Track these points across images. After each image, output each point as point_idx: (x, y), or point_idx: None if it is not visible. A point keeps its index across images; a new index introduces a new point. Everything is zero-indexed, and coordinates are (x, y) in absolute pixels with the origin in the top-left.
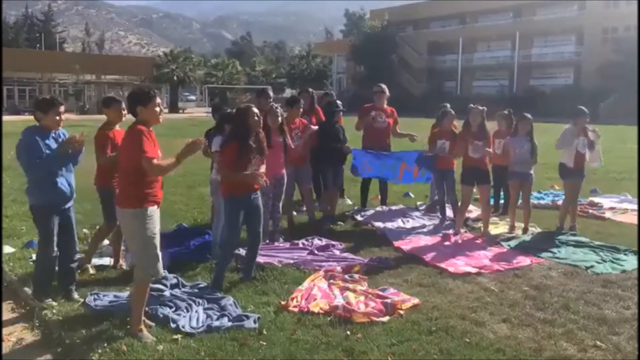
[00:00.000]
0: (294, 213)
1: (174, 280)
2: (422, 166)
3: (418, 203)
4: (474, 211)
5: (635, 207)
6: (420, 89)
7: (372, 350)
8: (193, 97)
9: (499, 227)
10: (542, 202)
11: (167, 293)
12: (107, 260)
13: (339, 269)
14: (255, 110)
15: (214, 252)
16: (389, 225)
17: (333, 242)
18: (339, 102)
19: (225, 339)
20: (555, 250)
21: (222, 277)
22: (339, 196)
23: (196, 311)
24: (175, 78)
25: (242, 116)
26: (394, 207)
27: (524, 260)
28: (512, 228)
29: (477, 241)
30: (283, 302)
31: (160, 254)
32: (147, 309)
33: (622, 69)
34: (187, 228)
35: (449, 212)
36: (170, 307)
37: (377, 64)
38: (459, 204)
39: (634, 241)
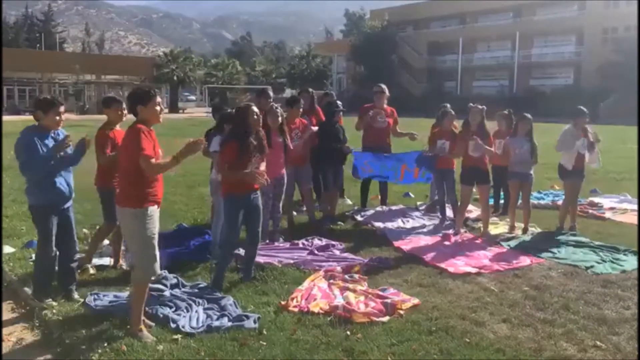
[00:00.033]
0: (294, 213)
1: (174, 280)
2: (422, 166)
3: (418, 203)
4: (473, 211)
5: (635, 207)
6: (420, 89)
7: (372, 350)
8: (193, 97)
9: (499, 227)
10: (542, 202)
11: (167, 293)
12: (107, 260)
13: (339, 269)
14: (255, 109)
15: (213, 252)
16: (389, 225)
17: (333, 242)
18: (339, 102)
19: (225, 339)
20: (555, 250)
21: (222, 277)
22: (339, 196)
23: (196, 311)
24: (175, 78)
25: (242, 115)
26: (394, 207)
27: (524, 260)
28: (512, 228)
29: (477, 241)
30: (283, 302)
31: (157, 254)
32: (147, 309)
33: (622, 69)
34: (187, 228)
35: (449, 212)
36: (170, 307)
37: (377, 64)
38: (459, 204)
39: (633, 241)
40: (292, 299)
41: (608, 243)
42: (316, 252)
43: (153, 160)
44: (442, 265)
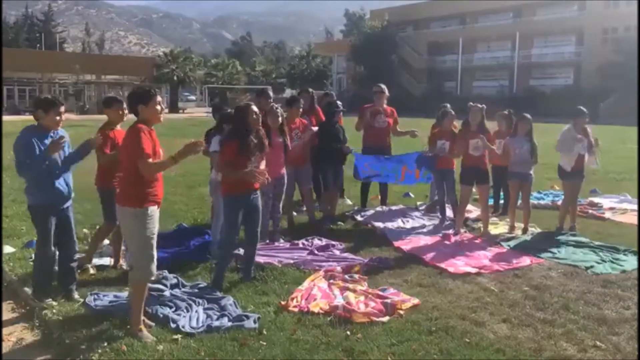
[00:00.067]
0: (294, 213)
1: (174, 280)
2: (422, 166)
3: (418, 203)
4: (473, 211)
5: (635, 207)
6: (420, 89)
7: (372, 350)
8: (193, 97)
9: (498, 227)
10: (542, 202)
11: (167, 293)
12: (107, 260)
13: (339, 269)
14: (255, 108)
15: (213, 252)
16: (389, 225)
17: (333, 242)
18: (339, 102)
19: (225, 339)
20: (555, 250)
21: (222, 277)
22: (339, 196)
23: (196, 311)
24: (175, 78)
25: (242, 114)
26: (394, 207)
27: (524, 261)
28: (512, 228)
29: (477, 241)
30: (283, 302)
31: (155, 254)
32: (147, 308)
33: (622, 69)
34: (187, 228)
35: (449, 212)
36: (170, 307)
37: (377, 64)
38: (459, 203)
39: (633, 241)
40: (292, 299)
41: (608, 243)
42: (316, 252)
43: (150, 160)
44: (442, 265)
